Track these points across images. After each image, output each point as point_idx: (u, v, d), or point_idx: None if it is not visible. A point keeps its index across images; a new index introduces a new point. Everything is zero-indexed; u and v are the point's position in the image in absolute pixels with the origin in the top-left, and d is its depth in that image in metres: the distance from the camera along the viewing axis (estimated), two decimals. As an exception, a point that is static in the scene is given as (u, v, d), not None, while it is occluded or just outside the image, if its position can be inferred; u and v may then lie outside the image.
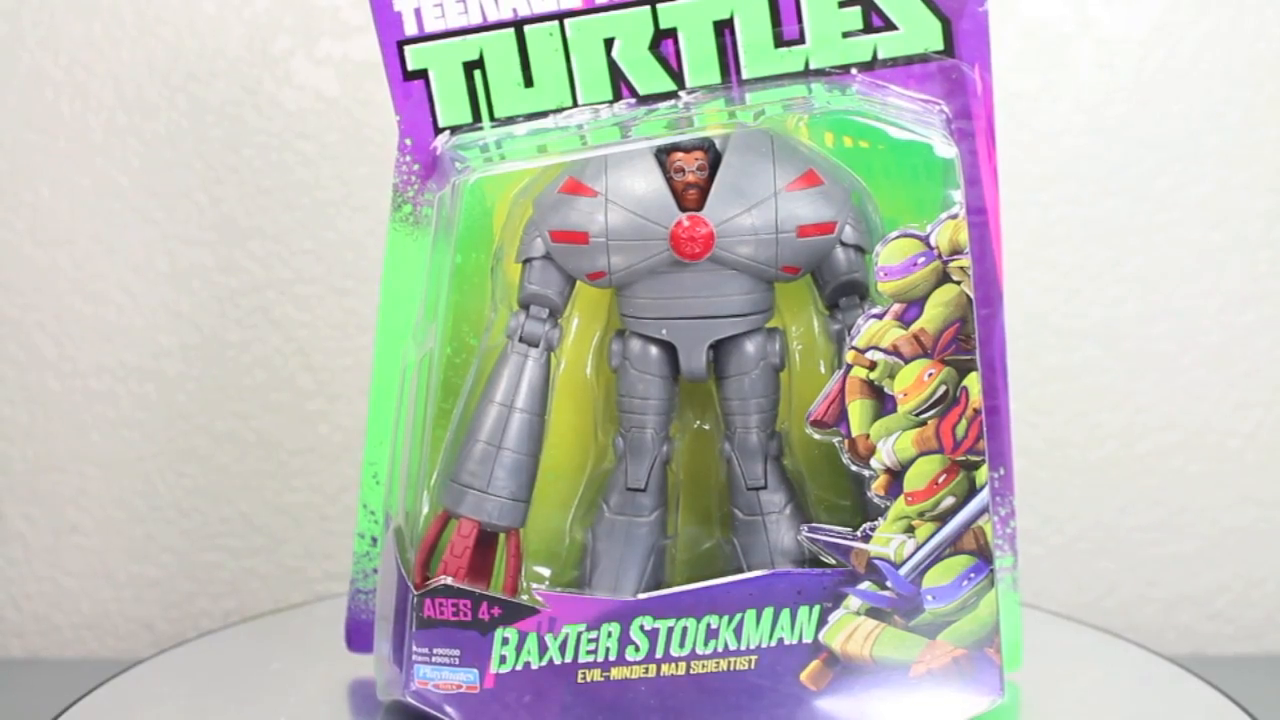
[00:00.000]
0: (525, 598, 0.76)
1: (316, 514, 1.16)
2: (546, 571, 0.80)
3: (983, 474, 0.74)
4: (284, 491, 1.16)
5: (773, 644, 0.74)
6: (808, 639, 0.75)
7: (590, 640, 0.74)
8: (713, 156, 0.74)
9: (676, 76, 0.77)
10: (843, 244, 0.75)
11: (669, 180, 0.74)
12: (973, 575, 0.74)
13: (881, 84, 0.77)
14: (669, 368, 0.77)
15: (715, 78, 0.77)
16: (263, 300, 1.13)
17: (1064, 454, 1.14)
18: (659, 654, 0.74)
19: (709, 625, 0.74)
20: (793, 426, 0.78)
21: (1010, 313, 0.80)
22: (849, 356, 0.73)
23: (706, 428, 0.81)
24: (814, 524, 0.76)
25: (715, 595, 0.74)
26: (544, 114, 0.78)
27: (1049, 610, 0.99)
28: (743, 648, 0.74)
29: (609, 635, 0.74)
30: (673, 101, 0.77)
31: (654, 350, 0.76)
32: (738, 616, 0.74)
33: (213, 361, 1.14)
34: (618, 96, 0.77)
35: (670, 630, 0.74)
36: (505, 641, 0.75)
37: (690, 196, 0.74)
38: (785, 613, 0.74)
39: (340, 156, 1.12)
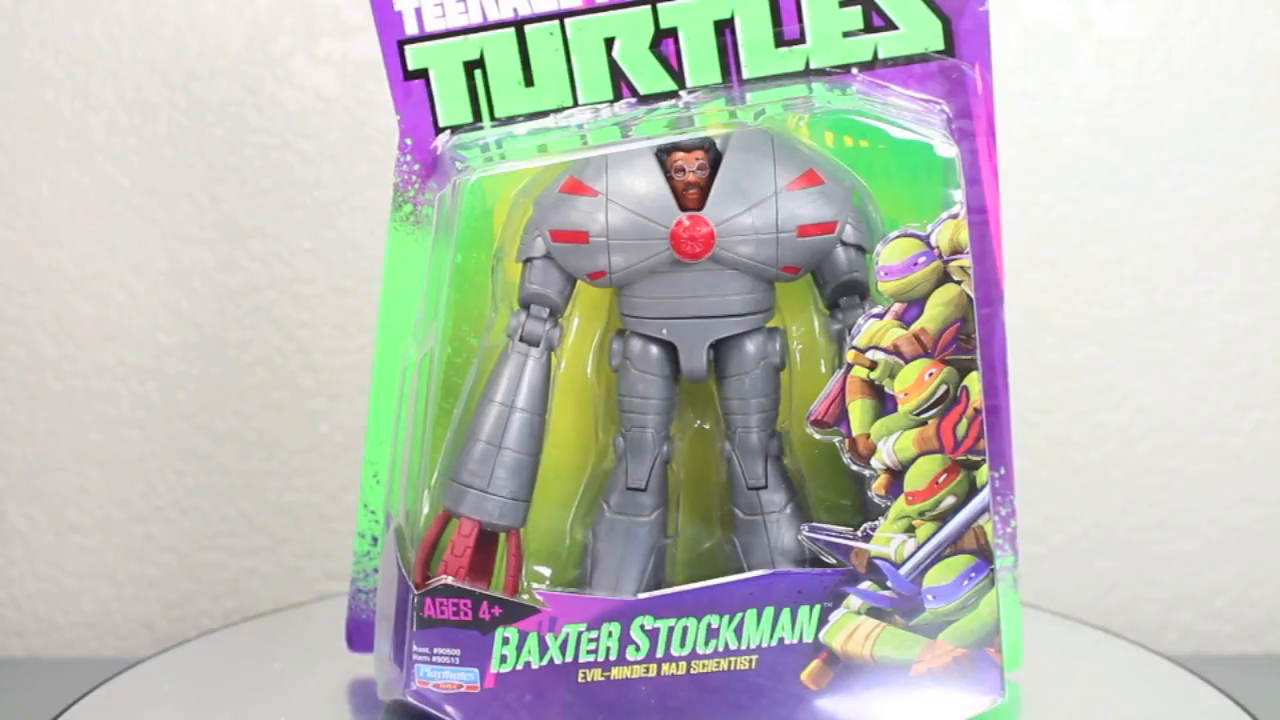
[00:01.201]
0: (526, 597, 0.76)
1: (317, 513, 1.15)
2: (547, 571, 0.80)
3: (983, 473, 0.74)
4: (285, 491, 1.15)
5: (773, 643, 0.74)
6: (808, 638, 0.74)
7: (591, 640, 0.74)
8: (713, 156, 0.74)
9: (677, 76, 0.77)
10: (843, 243, 0.75)
11: (669, 180, 0.73)
12: (973, 575, 0.74)
13: (882, 83, 0.76)
14: (670, 367, 0.76)
15: (716, 77, 0.77)
16: (263, 299, 1.13)
17: (1064, 453, 1.14)
18: (659, 653, 0.74)
19: (709, 625, 0.74)
20: (793, 426, 0.78)
21: (1010, 312, 0.80)
22: (849, 356, 0.73)
23: (707, 427, 0.80)
24: (814, 524, 0.75)
25: (716, 595, 0.74)
26: (544, 113, 0.77)
27: (1049, 610, 0.99)
28: (743, 647, 0.74)
29: (609, 635, 0.74)
30: (673, 101, 0.77)
31: (654, 350, 0.76)
32: (738, 616, 0.74)
33: (213, 361, 1.13)
34: (618, 96, 0.77)
35: (671, 630, 0.74)
36: (506, 641, 0.74)
37: (691, 196, 0.74)
38: (786, 612, 0.74)
39: (341, 156, 1.11)
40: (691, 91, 0.77)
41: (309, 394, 1.14)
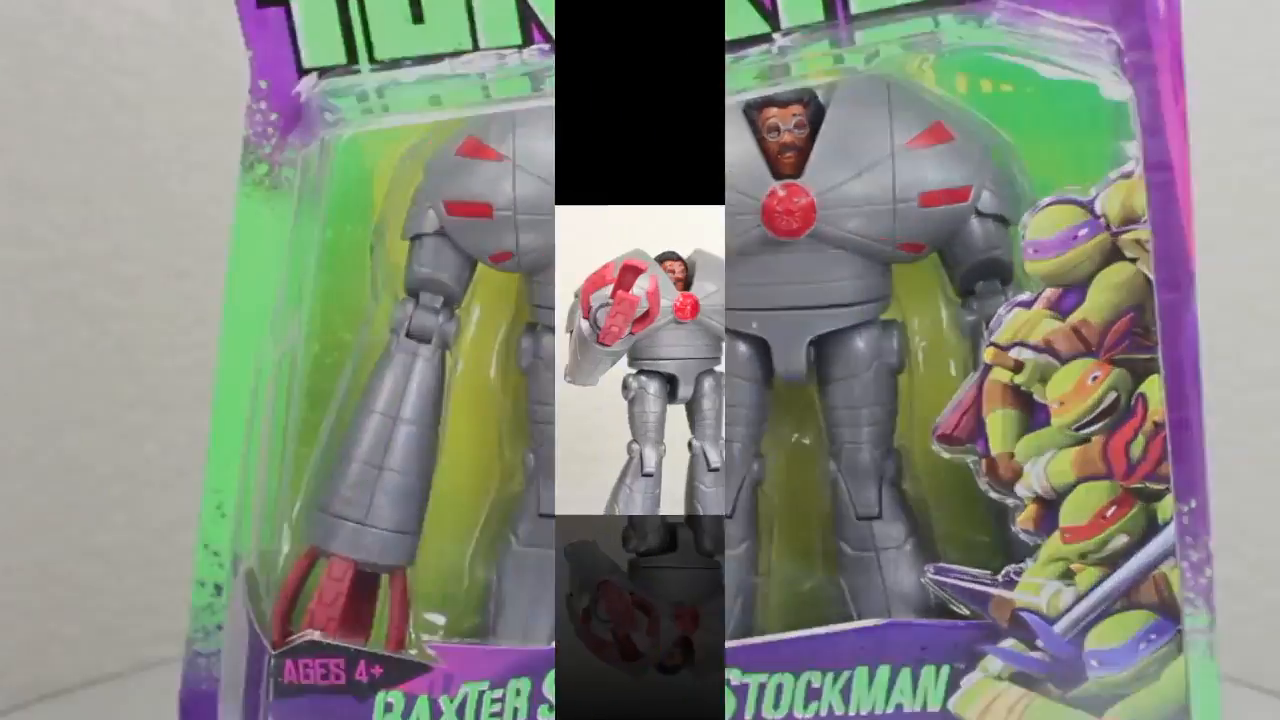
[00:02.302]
0: (414, 652, 0.71)
1: (141, 558, 1.08)
2: (440, 619, 0.75)
3: (1166, 507, 0.68)
4: (96, 530, 1.08)
5: (889, 710, 0.69)
6: (934, 706, 0.69)
7: (494, 701, 0.69)
8: (813, 111, 0.69)
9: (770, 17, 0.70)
10: (979, 214, 0.69)
11: (761, 142, 0.68)
12: (1152, 637, 0.68)
13: (1031, 9, 0.70)
14: (759, 369, 0.71)
15: (818, 14, 0.70)
16: (67, 282, 1.06)
17: (1278, 483, 1.09)
18: (748, 714, 0.69)
19: (809, 683, 0.69)
20: (914, 443, 0.73)
21: (1204, 299, 0.73)
22: (988, 355, 0.67)
23: (807, 443, 0.75)
24: (941, 564, 0.70)
25: (818, 647, 0.69)
26: (438, 58, 0.71)
27: (1258, 686, 0.93)
28: (852, 713, 0.69)
29: (517, 694, 0.69)
30: (766, 46, 0.70)
31: (743, 348, 0.71)
32: (845, 674, 0.69)
33: (-1, 362, 1.04)
34: (528, 41, 0.71)
35: (763, 686, 0.69)
36: (389, 708, 0.69)
37: (786, 161, 0.69)
38: (905, 673, 0.69)
39: (174, 99, 1.05)
40: (788, 34, 0.70)
41: (130, 404, 1.08)
